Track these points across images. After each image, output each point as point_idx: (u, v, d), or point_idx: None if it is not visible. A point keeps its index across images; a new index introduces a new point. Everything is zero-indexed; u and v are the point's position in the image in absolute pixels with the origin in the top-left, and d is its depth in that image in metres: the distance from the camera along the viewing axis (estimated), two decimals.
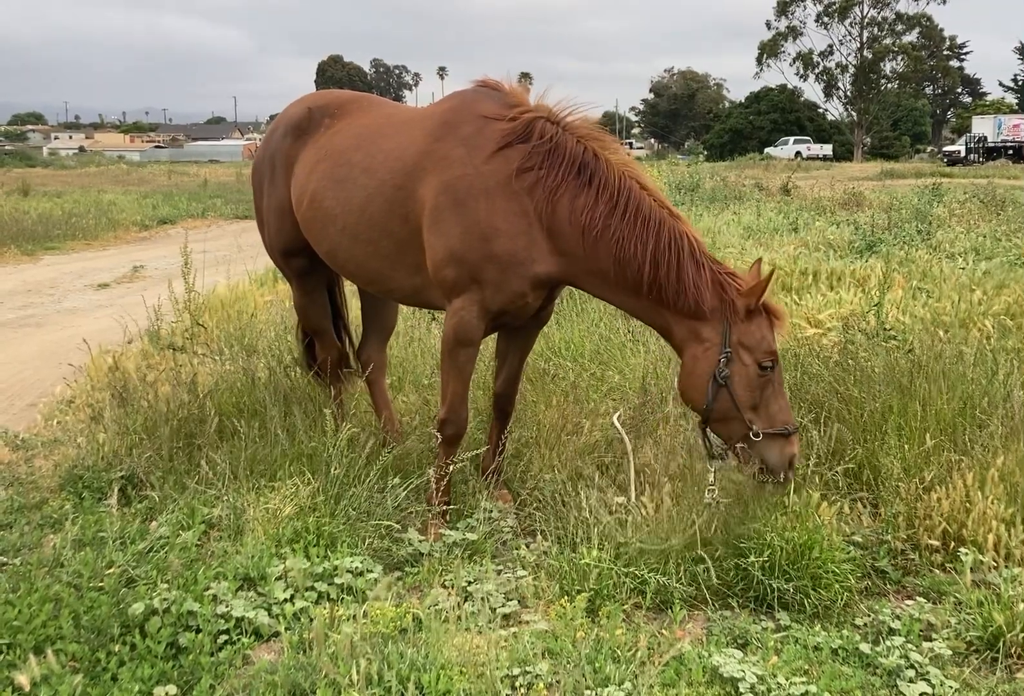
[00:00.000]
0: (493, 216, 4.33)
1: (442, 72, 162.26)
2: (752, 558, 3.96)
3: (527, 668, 3.45)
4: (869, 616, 3.93)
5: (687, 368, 4.30)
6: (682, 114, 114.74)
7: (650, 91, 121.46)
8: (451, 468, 4.61)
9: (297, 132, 5.27)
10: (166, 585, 3.90)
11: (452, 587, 4.02)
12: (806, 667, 3.53)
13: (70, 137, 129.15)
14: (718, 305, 4.19)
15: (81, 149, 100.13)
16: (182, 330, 7.24)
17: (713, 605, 3.95)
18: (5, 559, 4.36)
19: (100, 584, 3.95)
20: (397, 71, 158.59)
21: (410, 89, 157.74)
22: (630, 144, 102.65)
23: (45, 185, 34.13)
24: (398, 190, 4.59)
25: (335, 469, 4.67)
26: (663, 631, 3.74)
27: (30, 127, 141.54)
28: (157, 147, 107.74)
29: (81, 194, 28.78)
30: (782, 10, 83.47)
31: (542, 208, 4.31)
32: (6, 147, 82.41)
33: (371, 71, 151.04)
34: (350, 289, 6.06)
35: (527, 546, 4.42)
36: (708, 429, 4.33)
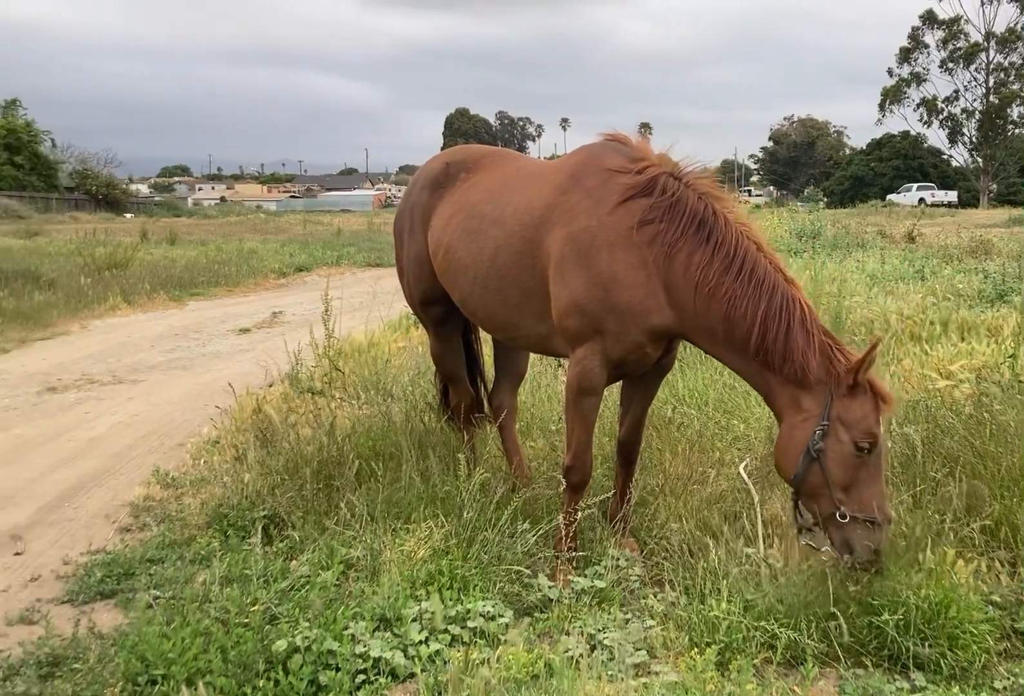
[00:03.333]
0: (614, 267, 4.34)
1: (564, 123, 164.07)
2: (886, 616, 3.83)
3: None
4: (1009, 679, 3.74)
5: (783, 436, 4.19)
6: (802, 161, 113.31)
7: (769, 139, 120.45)
8: (578, 515, 4.60)
9: (434, 186, 5.41)
10: (307, 623, 3.96)
11: (582, 634, 4.01)
12: None
13: (212, 188, 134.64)
14: (823, 376, 4.06)
15: (222, 199, 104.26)
16: (321, 374, 7.43)
17: (845, 663, 3.82)
18: (159, 593, 4.52)
19: (246, 620, 4.05)
20: (521, 123, 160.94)
21: (533, 140, 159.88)
22: (748, 191, 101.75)
23: (190, 234, 35.59)
24: (526, 242, 4.66)
25: (467, 513, 4.71)
26: (795, 688, 3.64)
27: (177, 179, 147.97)
28: (292, 197, 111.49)
29: (224, 242, 29.88)
30: (904, 57, 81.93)
31: (660, 261, 4.30)
32: (155, 198, 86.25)
33: (496, 123, 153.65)
34: (485, 336, 6.14)
35: (655, 596, 4.36)
36: (799, 501, 4.19)
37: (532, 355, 6.87)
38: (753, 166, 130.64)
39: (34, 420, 8.09)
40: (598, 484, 5.28)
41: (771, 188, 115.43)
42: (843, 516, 3.96)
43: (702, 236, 4.28)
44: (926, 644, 3.78)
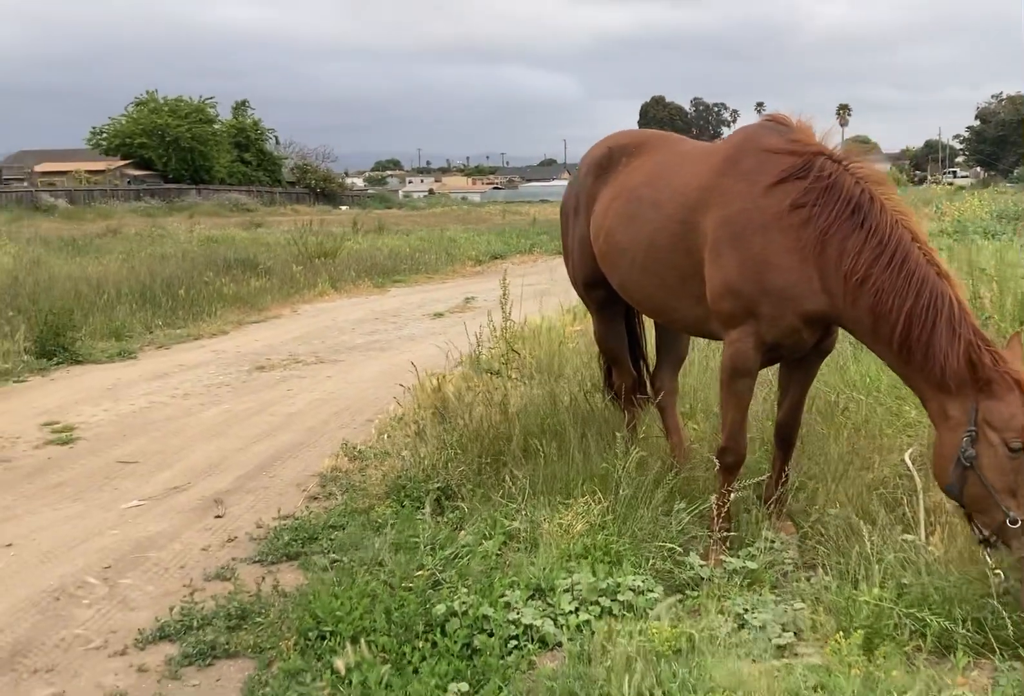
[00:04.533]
0: (767, 250, 4.22)
1: (759, 108, 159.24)
2: None
3: None
4: None
5: (936, 448, 3.95)
6: (1011, 140, 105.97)
7: (976, 118, 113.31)
8: (731, 496, 4.52)
9: (598, 170, 5.40)
10: (466, 590, 4.08)
11: (729, 613, 3.95)
12: None
13: (421, 181, 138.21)
14: (966, 379, 3.78)
15: (430, 192, 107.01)
16: (498, 356, 7.56)
17: (1002, 655, 3.61)
18: (336, 557, 4.74)
19: (410, 584, 4.21)
20: (716, 109, 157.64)
21: (728, 126, 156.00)
22: (953, 173, 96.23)
23: (398, 224, 36.78)
24: (683, 224, 4.59)
25: (623, 490, 4.72)
26: (944, 677, 3.47)
27: (389, 172, 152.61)
28: (495, 188, 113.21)
29: (427, 232, 30.77)
30: None
31: (813, 245, 4.14)
32: (368, 191, 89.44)
33: (691, 110, 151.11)
34: (648, 319, 6.09)
35: (807, 579, 4.24)
36: (971, 515, 3.89)
37: (703, 339, 6.79)
38: (959, 146, 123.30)
39: (242, 396, 8.62)
40: (757, 466, 5.17)
41: (977, 169, 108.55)
42: (1014, 521, 3.68)
43: (856, 222, 4.09)
44: None
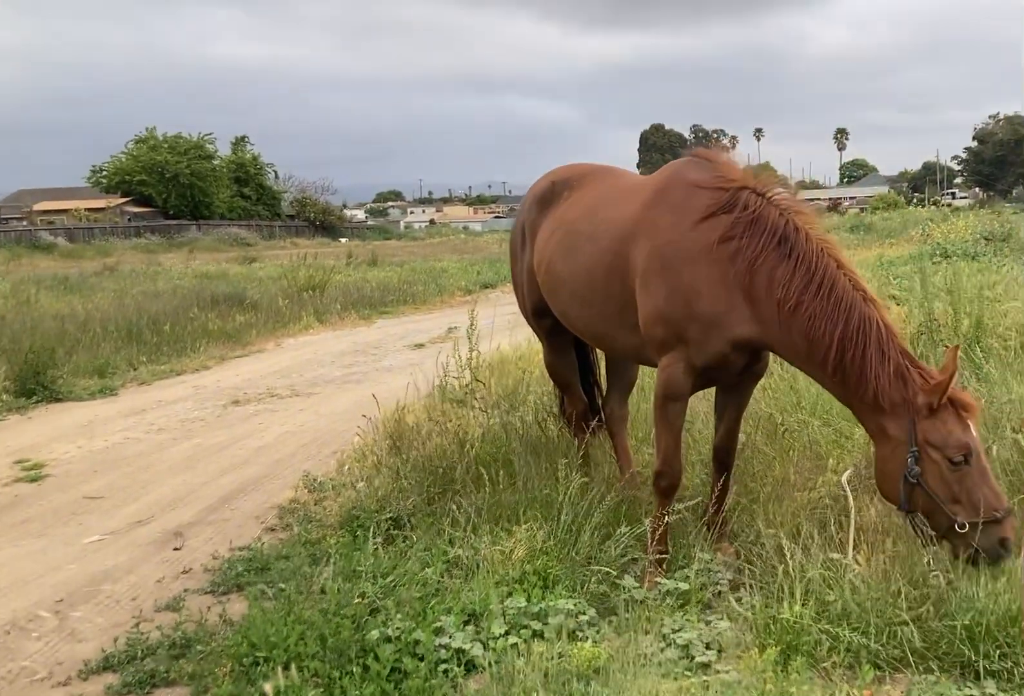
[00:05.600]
0: (696, 281, 4.37)
1: (758, 133, 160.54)
2: (959, 621, 3.70)
3: None
4: None
5: (878, 468, 4.17)
6: (1009, 160, 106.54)
7: (974, 138, 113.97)
8: (666, 518, 4.63)
9: (541, 204, 5.57)
10: (400, 616, 4.18)
11: (655, 633, 4.04)
12: None
13: (423, 211, 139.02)
14: (900, 401, 4.00)
15: (431, 222, 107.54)
16: (463, 386, 7.69)
17: (917, 668, 3.71)
18: (284, 586, 4.84)
19: (349, 612, 4.31)
20: (715, 135, 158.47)
21: (727, 151, 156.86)
22: (952, 194, 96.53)
23: (393, 256, 37.06)
24: (616, 256, 4.74)
25: (565, 515, 4.83)
26: (853, 692, 3.56)
27: (390, 203, 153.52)
28: (496, 217, 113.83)
29: (421, 263, 31.03)
30: None
31: (742, 277, 4.29)
32: (368, 223, 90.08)
33: (690, 136, 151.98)
34: None
35: (738, 599, 4.34)
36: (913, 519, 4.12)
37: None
38: (956, 167, 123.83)
39: (214, 430, 8.74)
40: (704, 488, 5.28)
41: (976, 190, 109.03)
42: (962, 526, 3.92)
43: (783, 252, 4.25)
44: (998, 652, 3.62)
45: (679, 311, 4.43)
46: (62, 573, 5.38)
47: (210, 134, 70.73)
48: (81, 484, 7.13)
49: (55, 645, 4.51)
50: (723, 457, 4.95)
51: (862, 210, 61.88)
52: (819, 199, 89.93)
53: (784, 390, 6.74)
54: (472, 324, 7.46)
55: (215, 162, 70.66)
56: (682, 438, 4.79)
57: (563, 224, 5.27)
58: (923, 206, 64.67)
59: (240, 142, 75.90)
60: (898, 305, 9.12)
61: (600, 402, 6.10)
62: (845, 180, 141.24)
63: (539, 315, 5.78)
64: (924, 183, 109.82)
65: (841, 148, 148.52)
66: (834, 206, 74.72)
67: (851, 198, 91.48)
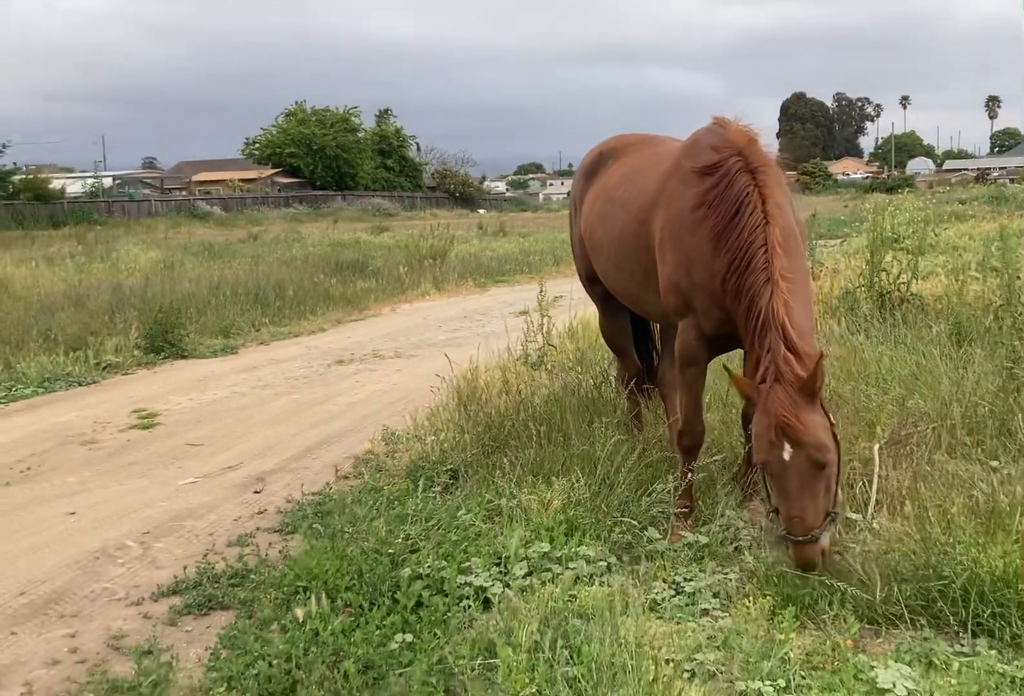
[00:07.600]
0: (690, 248, 4.46)
1: (905, 101, 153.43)
2: (954, 580, 3.75)
3: (695, 656, 3.59)
4: None
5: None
6: None
7: None
8: (689, 475, 4.77)
9: (588, 174, 5.72)
10: (433, 556, 4.48)
11: (669, 581, 4.23)
12: (977, 691, 3.32)
13: (562, 183, 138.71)
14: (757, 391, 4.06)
15: (568, 194, 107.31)
16: (537, 350, 7.95)
17: (913, 625, 3.78)
18: (334, 526, 5.20)
19: (387, 550, 4.64)
20: (859, 103, 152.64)
21: (872, 120, 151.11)
22: None
23: (523, 227, 37.36)
24: (642, 223, 4.86)
25: (600, 469, 5.03)
26: (839, 640, 3.67)
27: (531, 176, 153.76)
28: None
29: (548, 234, 31.19)
30: None
31: (707, 245, 4.35)
32: (506, 195, 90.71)
33: (833, 105, 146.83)
34: None
35: (755, 556, 4.46)
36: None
37: None
38: None
39: (314, 387, 9.24)
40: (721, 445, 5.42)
41: None
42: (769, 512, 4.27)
43: (735, 223, 4.25)
44: (990, 611, 3.67)
45: (684, 280, 4.53)
46: (154, 509, 5.89)
47: (355, 107, 72.49)
48: (186, 432, 7.70)
49: (136, 571, 4.99)
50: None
51: (1011, 180, 58.79)
52: (966, 170, 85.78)
53: (835, 358, 6.68)
54: (541, 291, 7.73)
55: (360, 134, 72.38)
56: (703, 399, 4.91)
57: (603, 192, 5.41)
58: None
59: (384, 115, 77.48)
60: (998, 277, 8.85)
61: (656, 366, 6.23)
62: (996, 149, 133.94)
63: (591, 281, 5.95)
64: None
65: (993, 116, 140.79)
66: (982, 176, 71.20)
67: (1001, 168, 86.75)
